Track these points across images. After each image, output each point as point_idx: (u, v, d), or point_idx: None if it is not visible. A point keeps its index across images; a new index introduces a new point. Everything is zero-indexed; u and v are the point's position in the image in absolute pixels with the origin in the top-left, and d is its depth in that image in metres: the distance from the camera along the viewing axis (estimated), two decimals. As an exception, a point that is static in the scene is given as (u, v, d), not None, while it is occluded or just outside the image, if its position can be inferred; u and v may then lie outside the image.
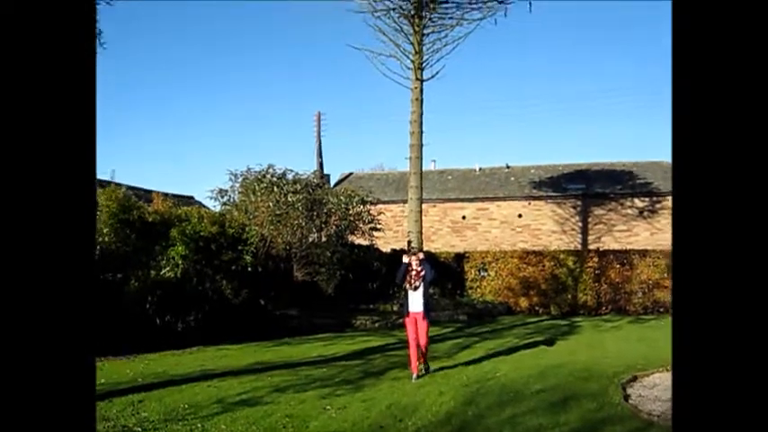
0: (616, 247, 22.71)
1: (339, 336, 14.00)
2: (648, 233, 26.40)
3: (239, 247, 14.13)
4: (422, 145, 18.95)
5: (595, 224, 27.50)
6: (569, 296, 19.69)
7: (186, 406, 6.82)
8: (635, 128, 60.90)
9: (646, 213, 26.81)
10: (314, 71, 68.02)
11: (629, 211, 27.23)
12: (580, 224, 27.80)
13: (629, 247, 22.03)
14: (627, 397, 7.28)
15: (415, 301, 8.92)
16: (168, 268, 13.44)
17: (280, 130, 69.65)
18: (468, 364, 9.85)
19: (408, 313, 8.97)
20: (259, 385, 7.99)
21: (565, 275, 19.77)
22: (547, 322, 17.18)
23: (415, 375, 8.61)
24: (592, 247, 24.65)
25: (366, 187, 21.66)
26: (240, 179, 16.15)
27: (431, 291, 10.38)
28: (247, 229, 14.50)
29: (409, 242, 18.92)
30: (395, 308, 16.21)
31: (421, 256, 9.36)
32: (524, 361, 10.19)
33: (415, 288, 8.88)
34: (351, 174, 32.66)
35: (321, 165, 35.65)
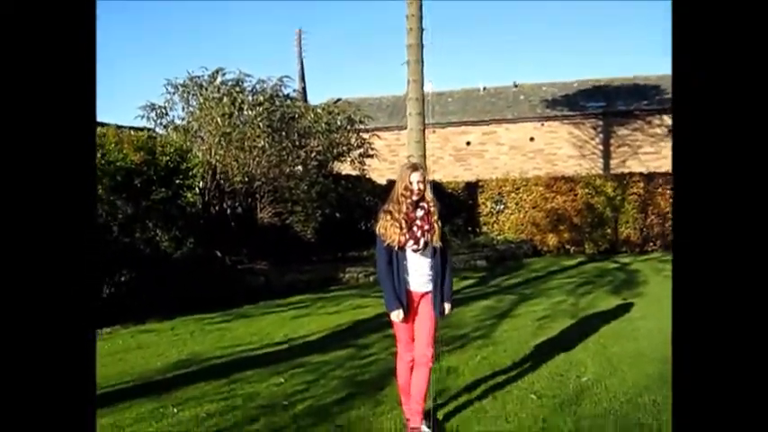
0: (641, 171, 18.94)
1: (320, 298, 10.19)
2: (679, 155, 22.92)
3: (177, 182, 10.17)
4: (422, 45, 14.85)
5: (619, 146, 23.98)
6: (609, 230, 15.91)
7: None
8: (656, 38, 54.10)
9: (676, 132, 23.30)
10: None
11: (657, 130, 23.69)
12: (601, 147, 24.26)
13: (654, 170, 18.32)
14: None
15: (420, 272, 4.07)
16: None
17: (255, 50, 62.52)
18: (523, 356, 6.02)
19: (407, 295, 4.04)
20: (147, 433, 4.18)
21: (603, 205, 15.93)
22: (590, 265, 13.41)
23: (420, 426, 4.07)
24: (615, 171, 21.05)
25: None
26: (181, 91, 11.90)
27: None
28: (189, 156, 10.47)
29: (409, 157, 14.94)
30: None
31: (426, 177, 4.16)
32: (613, 343, 6.38)
33: (424, 247, 4.02)
34: (339, 99, 28.47)
35: (304, 90, 31.69)
